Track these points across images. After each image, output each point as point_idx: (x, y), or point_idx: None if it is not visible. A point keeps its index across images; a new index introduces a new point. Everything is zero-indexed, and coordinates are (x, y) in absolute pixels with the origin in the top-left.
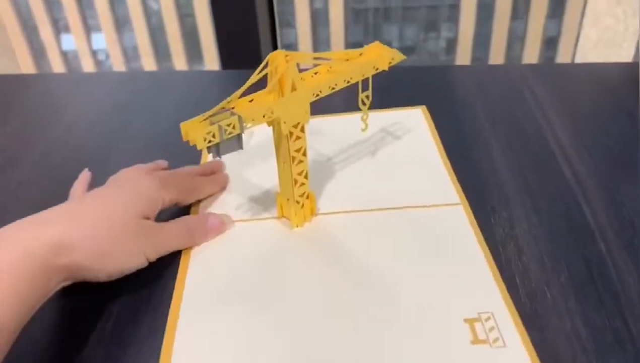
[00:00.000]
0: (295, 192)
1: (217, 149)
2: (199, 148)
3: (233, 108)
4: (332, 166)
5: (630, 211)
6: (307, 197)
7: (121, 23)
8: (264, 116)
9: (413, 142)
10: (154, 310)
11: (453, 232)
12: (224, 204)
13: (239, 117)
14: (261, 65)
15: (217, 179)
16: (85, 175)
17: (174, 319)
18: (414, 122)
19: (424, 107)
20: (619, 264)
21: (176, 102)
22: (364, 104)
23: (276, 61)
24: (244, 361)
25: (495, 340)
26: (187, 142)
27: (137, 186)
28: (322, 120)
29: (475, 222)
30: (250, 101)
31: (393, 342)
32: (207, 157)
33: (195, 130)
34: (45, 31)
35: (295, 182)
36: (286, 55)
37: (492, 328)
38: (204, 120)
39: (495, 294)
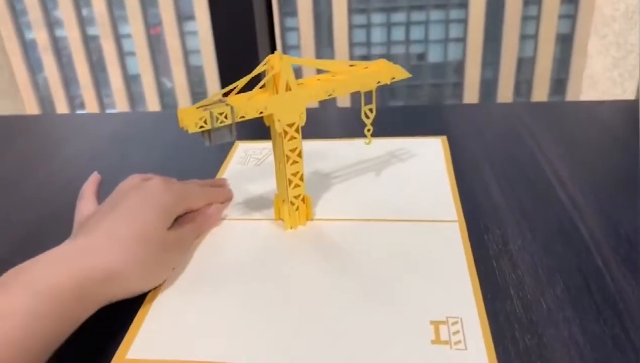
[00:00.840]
0: (290, 193)
1: (208, 136)
2: (190, 132)
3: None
4: (337, 178)
5: (627, 229)
6: (303, 201)
7: (136, 101)
8: (258, 112)
9: (424, 165)
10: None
11: (443, 244)
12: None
13: (232, 107)
14: (260, 65)
15: (224, 192)
16: (95, 178)
17: (151, 298)
18: (431, 149)
19: (444, 137)
20: (616, 276)
21: (174, 139)
22: (367, 117)
23: (272, 61)
24: (216, 344)
25: (457, 342)
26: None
27: (160, 199)
28: (332, 143)
29: (467, 237)
30: (247, 98)
31: (355, 338)
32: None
33: (189, 116)
34: (61, 108)
35: (290, 182)
36: (281, 56)
37: (456, 332)
38: (199, 107)
39: (469, 302)
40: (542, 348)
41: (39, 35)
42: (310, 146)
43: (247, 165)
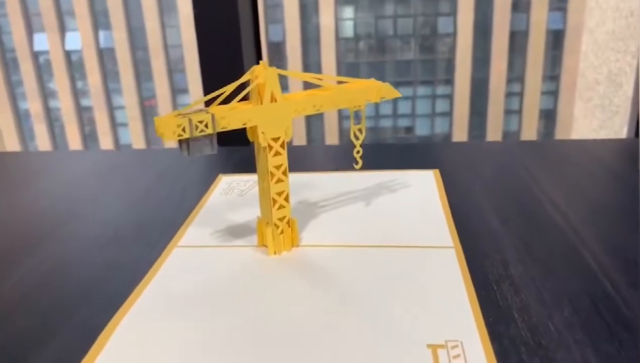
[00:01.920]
0: (274, 214)
1: (187, 146)
2: (166, 140)
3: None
4: (326, 206)
5: (633, 252)
6: (289, 224)
7: None
8: (241, 123)
9: (416, 195)
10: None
11: (439, 270)
12: (201, 232)
13: (212, 115)
14: (245, 75)
15: None
16: None
17: (118, 318)
18: (423, 181)
19: (436, 170)
20: (627, 299)
21: (156, 171)
22: (356, 138)
23: (257, 71)
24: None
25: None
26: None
27: None
28: (320, 175)
29: (464, 262)
30: (230, 108)
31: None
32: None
33: (167, 124)
34: None
35: (274, 202)
36: (266, 66)
37: (457, 356)
38: (178, 115)
39: (469, 325)
40: None
41: (33, 105)
42: (298, 178)
43: (230, 196)
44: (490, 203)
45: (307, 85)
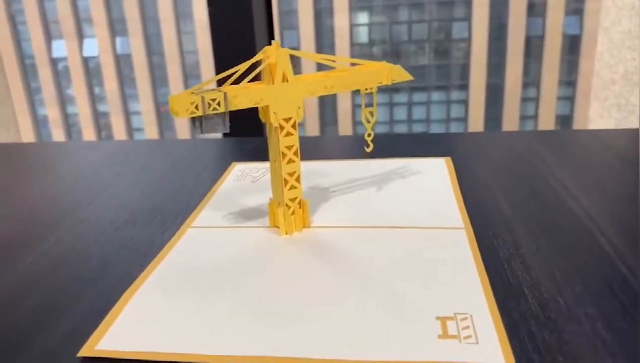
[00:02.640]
0: (285, 195)
1: (200, 124)
2: (179, 117)
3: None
4: (337, 191)
5: None
6: (300, 205)
7: None
8: (253, 102)
9: (428, 180)
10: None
11: (450, 249)
12: (214, 214)
13: (225, 94)
14: (256, 55)
15: None
16: None
17: (130, 293)
18: (435, 167)
19: (448, 158)
20: None
21: (169, 160)
22: (368, 121)
23: (269, 51)
24: (193, 337)
25: (468, 336)
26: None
27: None
28: (332, 163)
29: (474, 241)
30: (242, 88)
31: (360, 334)
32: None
33: (180, 101)
34: None
35: (286, 182)
36: (278, 46)
37: (466, 327)
38: (191, 93)
39: (479, 299)
40: (563, 344)
41: (51, 111)
42: (309, 166)
43: (243, 182)
44: (503, 189)
45: (320, 68)
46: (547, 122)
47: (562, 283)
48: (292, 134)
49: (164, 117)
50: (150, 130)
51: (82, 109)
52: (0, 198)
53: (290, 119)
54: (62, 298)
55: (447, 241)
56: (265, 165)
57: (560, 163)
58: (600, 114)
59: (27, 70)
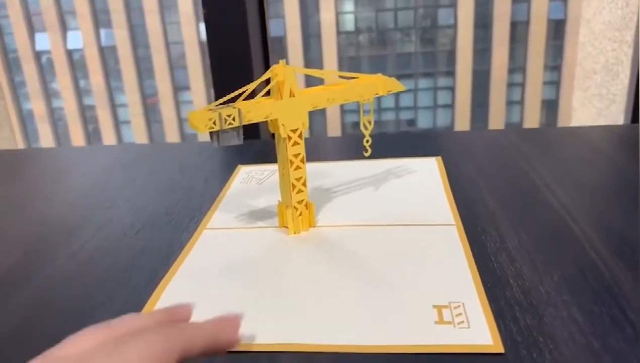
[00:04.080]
0: (293, 198)
1: (217, 137)
2: (199, 131)
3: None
4: (338, 191)
5: (619, 227)
6: (307, 207)
7: None
8: (264, 116)
9: (421, 180)
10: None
11: (443, 244)
12: (227, 216)
13: (239, 110)
14: (265, 74)
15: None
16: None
17: (158, 293)
18: (427, 167)
19: (439, 157)
20: (611, 267)
21: (178, 167)
22: (365, 128)
23: (277, 69)
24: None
25: (460, 322)
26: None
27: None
28: (330, 164)
29: (465, 237)
30: (255, 103)
31: (365, 321)
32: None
33: (199, 117)
34: None
35: (293, 187)
36: (285, 65)
37: (459, 314)
38: (209, 110)
39: (470, 289)
40: (543, 325)
41: (36, 105)
42: (309, 167)
43: (250, 184)
44: (488, 186)
45: (309, 81)
46: (533, 107)
47: (542, 272)
48: (298, 143)
49: (150, 109)
50: (137, 123)
51: (67, 102)
52: (21, 203)
53: (297, 129)
54: (96, 298)
55: (441, 237)
56: (270, 167)
57: (541, 159)
58: (582, 103)
59: (11, 65)
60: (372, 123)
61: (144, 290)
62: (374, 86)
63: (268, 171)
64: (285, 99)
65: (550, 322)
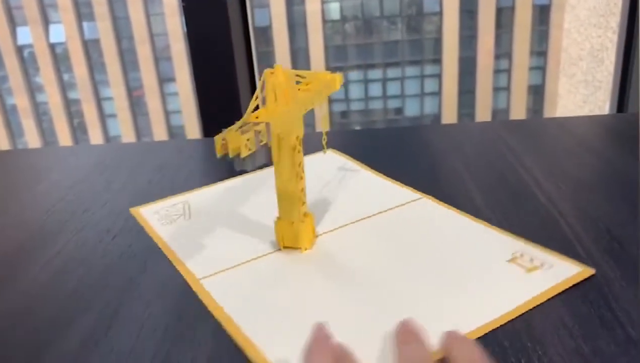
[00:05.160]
0: (300, 210)
1: (253, 159)
2: (242, 155)
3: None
4: (315, 193)
5: (606, 222)
6: (306, 216)
7: None
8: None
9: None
10: None
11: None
12: (215, 255)
13: (268, 125)
14: (260, 81)
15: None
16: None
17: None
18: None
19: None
20: (599, 264)
21: (157, 167)
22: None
23: (277, 76)
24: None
25: (542, 265)
26: None
27: None
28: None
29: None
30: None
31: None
32: None
33: (236, 140)
34: None
35: (299, 199)
36: (283, 71)
37: (532, 259)
38: (235, 131)
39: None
40: (532, 329)
41: (19, 100)
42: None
43: (176, 223)
44: (474, 178)
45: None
46: (520, 92)
47: None
48: (300, 151)
49: (136, 102)
50: (123, 117)
51: (51, 96)
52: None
53: (298, 136)
54: (71, 308)
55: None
56: (171, 200)
57: (528, 153)
58: (568, 90)
59: None
60: (328, 123)
61: (119, 301)
62: (332, 82)
63: (174, 203)
64: (290, 106)
65: (539, 327)
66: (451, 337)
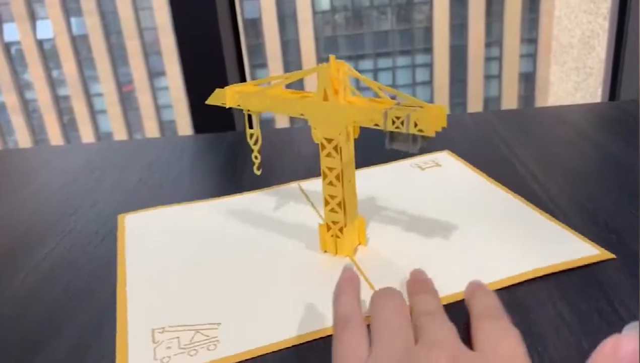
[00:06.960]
0: (326, 216)
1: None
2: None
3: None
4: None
5: (604, 215)
6: (341, 231)
7: None
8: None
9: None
10: None
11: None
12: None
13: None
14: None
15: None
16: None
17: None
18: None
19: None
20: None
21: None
22: (255, 143)
23: (334, 66)
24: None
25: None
26: None
27: None
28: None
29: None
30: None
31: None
32: None
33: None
34: None
35: (327, 203)
36: (341, 64)
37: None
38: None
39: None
40: (532, 324)
41: (8, 97)
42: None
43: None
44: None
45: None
46: (511, 80)
47: None
48: (333, 157)
49: (126, 97)
50: (113, 112)
51: (40, 93)
52: None
53: (332, 140)
54: (59, 314)
55: None
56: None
57: (520, 142)
58: (560, 77)
59: None
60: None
61: (106, 307)
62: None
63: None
64: (330, 102)
65: (538, 321)
66: (473, 286)
